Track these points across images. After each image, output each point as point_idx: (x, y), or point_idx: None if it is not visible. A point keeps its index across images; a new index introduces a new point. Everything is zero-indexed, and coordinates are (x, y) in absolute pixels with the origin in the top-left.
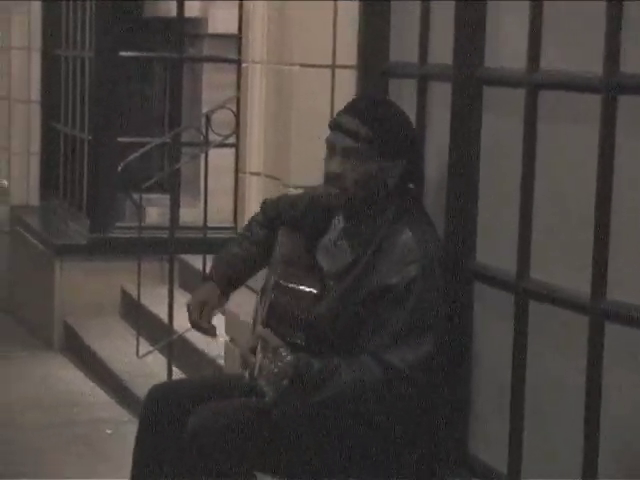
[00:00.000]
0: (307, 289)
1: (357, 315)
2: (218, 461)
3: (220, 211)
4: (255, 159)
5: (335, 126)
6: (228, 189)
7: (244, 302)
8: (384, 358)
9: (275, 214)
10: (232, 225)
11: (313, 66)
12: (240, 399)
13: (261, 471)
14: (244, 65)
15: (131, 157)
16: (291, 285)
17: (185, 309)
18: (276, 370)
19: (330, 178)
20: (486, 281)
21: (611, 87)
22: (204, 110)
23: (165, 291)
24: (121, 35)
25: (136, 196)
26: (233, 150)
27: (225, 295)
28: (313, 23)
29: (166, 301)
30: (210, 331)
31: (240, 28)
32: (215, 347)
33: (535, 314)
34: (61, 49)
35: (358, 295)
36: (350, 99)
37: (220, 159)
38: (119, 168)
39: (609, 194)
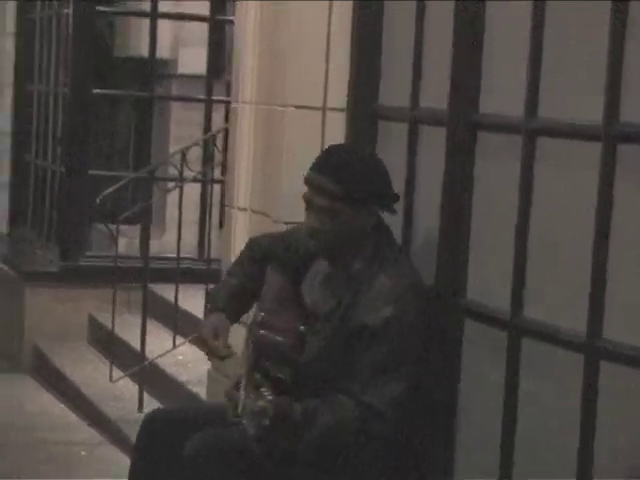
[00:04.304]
0: (294, 326)
1: (340, 356)
2: None
3: (184, 242)
4: (242, 195)
5: (308, 183)
6: (192, 221)
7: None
8: (362, 399)
9: (263, 253)
10: (195, 257)
11: (305, 108)
12: (235, 428)
13: None
14: (233, 105)
15: (108, 190)
16: (278, 322)
17: (155, 336)
18: (257, 409)
19: (309, 233)
20: (477, 318)
21: (611, 135)
22: (171, 146)
23: (132, 318)
24: (93, 73)
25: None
26: (198, 185)
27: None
28: (305, 66)
29: (134, 328)
30: (229, 354)
31: (208, 70)
32: (185, 373)
33: (528, 352)
34: (33, 84)
35: (341, 337)
36: (340, 141)
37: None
38: (97, 200)
39: (606, 237)
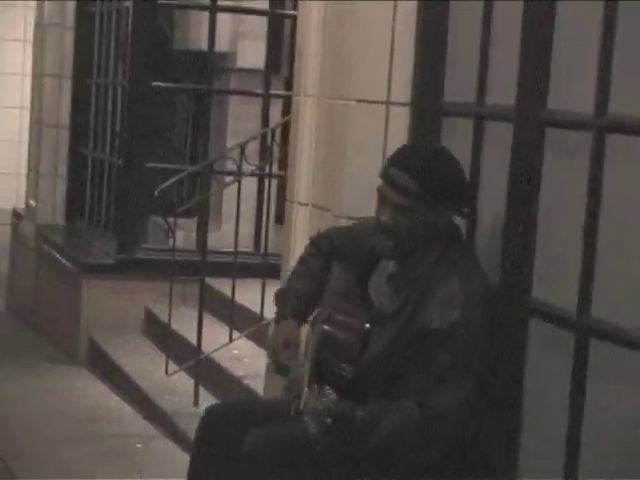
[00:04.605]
0: (359, 324)
1: (404, 357)
2: None
3: (241, 236)
4: (303, 189)
5: (385, 177)
6: (249, 215)
7: None
8: (425, 403)
9: (329, 248)
10: (252, 251)
11: (368, 102)
12: (296, 424)
13: None
14: (295, 98)
15: (166, 183)
16: (343, 318)
17: (210, 330)
18: (320, 407)
19: (383, 228)
20: (543, 317)
21: None
22: (228, 140)
23: (188, 312)
24: (152, 66)
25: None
26: (255, 179)
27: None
28: (370, 65)
29: (190, 321)
30: (295, 367)
31: (267, 64)
32: (241, 368)
33: (595, 352)
34: (92, 77)
35: (406, 337)
36: (403, 135)
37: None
38: (155, 193)
39: None
